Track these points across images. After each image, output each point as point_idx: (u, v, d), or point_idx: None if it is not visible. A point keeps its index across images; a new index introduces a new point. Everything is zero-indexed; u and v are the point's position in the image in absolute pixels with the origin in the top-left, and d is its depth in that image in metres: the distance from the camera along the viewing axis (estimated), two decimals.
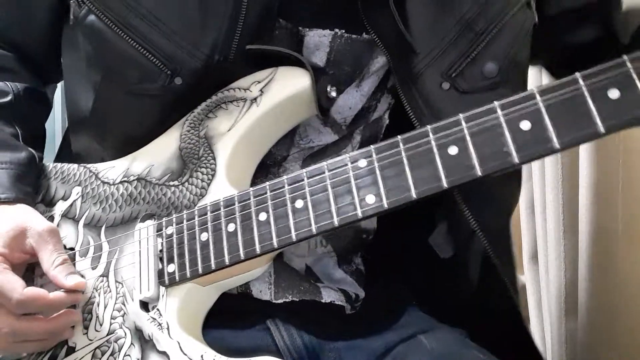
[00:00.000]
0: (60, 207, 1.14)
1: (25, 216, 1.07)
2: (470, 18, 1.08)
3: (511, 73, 1.11)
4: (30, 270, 1.09)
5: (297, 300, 1.10)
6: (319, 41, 1.09)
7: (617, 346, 1.44)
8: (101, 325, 1.04)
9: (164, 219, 1.05)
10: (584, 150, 1.41)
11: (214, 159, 1.05)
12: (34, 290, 1.00)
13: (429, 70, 1.07)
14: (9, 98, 1.23)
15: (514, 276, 1.21)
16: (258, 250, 0.97)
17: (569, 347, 1.56)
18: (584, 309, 1.49)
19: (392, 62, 1.08)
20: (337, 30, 1.09)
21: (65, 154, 1.30)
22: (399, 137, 0.92)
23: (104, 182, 1.12)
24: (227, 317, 1.06)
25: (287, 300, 1.09)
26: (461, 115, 0.89)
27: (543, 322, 1.66)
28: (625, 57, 0.83)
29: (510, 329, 1.15)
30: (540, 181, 1.60)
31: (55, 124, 2.23)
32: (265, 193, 0.98)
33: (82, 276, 1.08)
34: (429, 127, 0.91)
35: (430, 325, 1.17)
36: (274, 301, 1.09)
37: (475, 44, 1.08)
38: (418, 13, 1.07)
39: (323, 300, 1.12)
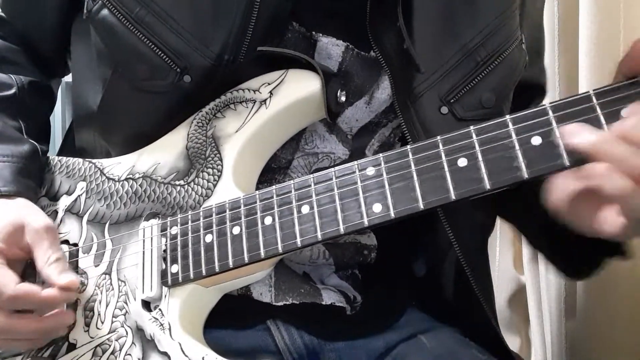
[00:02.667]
0: (64, 202, 1.14)
1: (24, 212, 1.06)
2: (473, 47, 1.09)
3: (504, 106, 1.13)
4: (32, 268, 1.08)
5: (298, 302, 1.10)
6: (331, 49, 1.08)
7: (617, 346, 1.44)
8: (103, 323, 1.04)
9: (168, 219, 1.04)
10: None
11: (221, 159, 1.04)
12: (26, 287, 0.99)
13: (429, 93, 1.08)
14: (13, 91, 1.23)
15: (491, 298, 1.22)
16: (262, 254, 0.96)
17: (568, 347, 1.56)
18: (583, 309, 1.49)
19: (393, 81, 1.08)
20: (348, 43, 1.09)
21: (68, 149, 1.29)
22: (408, 146, 0.92)
23: (109, 179, 1.11)
24: (227, 318, 1.06)
25: (287, 302, 1.09)
26: (472, 128, 0.88)
27: (543, 322, 1.66)
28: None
29: (488, 344, 1.16)
30: None
31: (55, 123, 2.22)
32: (272, 197, 0.98)
33: (85, 272, 1.08)
34: (439, 137, 0.90)
35: (430, 325, 1.18)
36: (274, 303, 1.09)
37: (476, 73, 1.09)
38: (424, 34, 1.08)
39: (323, 303, 1.11)
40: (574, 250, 1.07)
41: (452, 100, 1.08)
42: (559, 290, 1.56)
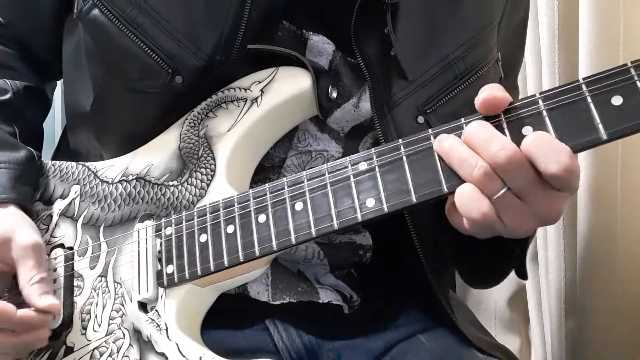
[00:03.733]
0: (58, 206, 1.14)
1: (13, 225, 1.06)
2: (454, 60, 1.10)
3: None
4: None
5: (295, 301, 1.09)
6: (322, 47, 1.09)
7: (617, 346, 1.43)
8: (99, 325, 1.04)
9: (163, 220, 1.04)
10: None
11: (214, 159, 1.04)
12: (0, 306, 0.98)
13: (407, 101, 1.08)
14: (8, 96, 1.23)
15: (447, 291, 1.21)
16: (257, 252, 0.96)
17: (569, 347, 1.56)
18: (584, 309, 1.49)
19: (372, 87, 1.08)
20: (336, 46, 1.09)
21: (63, 151, 1.30)
22: (399, 140, 0.92)
23: (102, 181, 1.11)
24: (225, 318, 1.06)
25: (284, 301, 1.09)
26: (463, 120, 0.89)
27: (543, 322, 1.66)
28: (629, 63, 0.82)
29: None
30: None
31: (56, 122, 2.22)
32: (265, 195, 0.98)
33: (81, 275, 1.08)
34: (430, 130, 0.90)
35: (429, 324, 1.17)
36: (271, 302, 1.09)
37: (454, 86, 1.10)
38: (408, 42, 1.09)
39: (320, 301, 1.12)
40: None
41: (428, 111, 1.09)
42: (559, 290, 1.55)
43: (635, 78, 0.81)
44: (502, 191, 0.84)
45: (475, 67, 1.12)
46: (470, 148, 0.86)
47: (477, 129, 0.86)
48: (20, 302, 1.03)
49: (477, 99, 0.88)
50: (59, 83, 1.37)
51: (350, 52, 1.09)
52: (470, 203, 0.85)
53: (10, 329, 0.99)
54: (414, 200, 0.89)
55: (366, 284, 1.20)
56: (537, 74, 1.56)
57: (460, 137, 0.88)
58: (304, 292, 1.10)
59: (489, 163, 0.84)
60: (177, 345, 0.97)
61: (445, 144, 0.88)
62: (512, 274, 1.76)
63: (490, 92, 0.87)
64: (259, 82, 1.05)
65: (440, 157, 0.89)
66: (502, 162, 0.83)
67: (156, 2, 1.06)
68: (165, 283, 1.01)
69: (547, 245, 1.56)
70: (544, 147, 0.82)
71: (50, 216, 1.13)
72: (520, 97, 0.90)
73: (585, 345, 1.51)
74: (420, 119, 1.08)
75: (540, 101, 0.85)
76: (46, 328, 1.03)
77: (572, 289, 1.53)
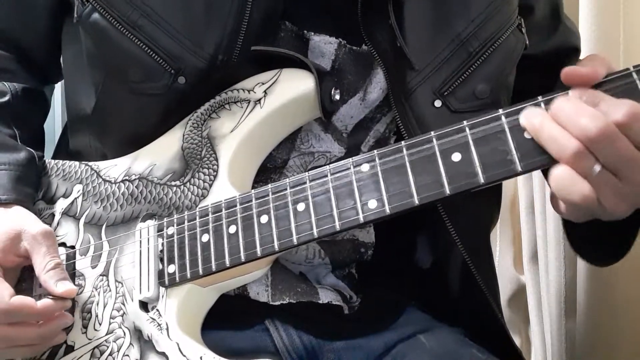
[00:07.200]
0: (61, 205, 1.14)
1: (21, 219, 1.06)
2: (465, 38, 1.08)
3: (501, 94, 1.13)
4: (29, 271, 1.08)
5: (294, 302, 1.10)
6: (324, 47, 1.09)
7: (617, 346, 1.44)
8: (100, 324, 1.04)
9: (165, 219, 1.05)
10: None
11: (216, 159, 1.05)
12: (20, 300, 0.98)
13: (422, 87, 1.07)
14: (6, 98, 1.23)
15: (496, 291, 1.22)
16: (259, 252, 0.96)
17: (569, 347, 1.56)
18: (583, 309, 1.50)
19: (388, 75, 1.08)
20: (340, 39, 1.09)
21: (62, 152, 1.29)
22: (402, 142, 0.92)
23: (105, 181, 1.11)
24: (225, 318, 1.06)
25: (284, 302, 1.09)
26: (465, 122, 0.89)
27: (543, 322, 1.66)
28: (631, 68, 0.82)
29: (494, 338, 1.16)
30: (540, 181, 1.60)
31: (56, 123, 2.22)
32: (267, 195, 0.98)
33: (82, 274, 1.08)
34: (432, 133, 0.90)
35: (430, 324, 1.17)
36: (271, 303, 1.09)
37: (469, 64, 1.09)
38: (415, 29, 1.08)
39: (320, 301, 1.12)
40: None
41: (445, 93, 1.08)
42: (559, 290, 1.56)
43: (637, 82, 0.82)
44: (597, 169, 0.80)
45: (489, 41, 1.10)
46: (559, 125, 0.82)
47: (563, 103, 0.83)
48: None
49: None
50: (59, 84, 1.37)
51: (356, 41, 1.09)
52: (569, 186, 0.81)
53: (34, 320, 1.01)
54: (416, 202, 0.89)
55: (366, 284, 1.20)
56: None
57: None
58: (303, 293, 1.11)
59: (578, 138, 0.80)
60: (177, 344, 0.97)
61: (535, 122, 0.84)
62: (509, 275, 1.78)
63: (574, 68, 0.84)
64: (262, 84, 1.06)
65: (443, 160, 0.89)
66: (593, 135, 0.79)
67: (156, 3, 1.06)
68: (166, 282, 1.02)
69: (547, 245, 1.56)
70: (636, 115, 0.79)
71: (52, 215, 1.14)
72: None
73: (585, 345, 1.51)
74: (437, 103, 1.07)
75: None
76: (69, 315, 1.04)
77: (572, 289, 1.53)
